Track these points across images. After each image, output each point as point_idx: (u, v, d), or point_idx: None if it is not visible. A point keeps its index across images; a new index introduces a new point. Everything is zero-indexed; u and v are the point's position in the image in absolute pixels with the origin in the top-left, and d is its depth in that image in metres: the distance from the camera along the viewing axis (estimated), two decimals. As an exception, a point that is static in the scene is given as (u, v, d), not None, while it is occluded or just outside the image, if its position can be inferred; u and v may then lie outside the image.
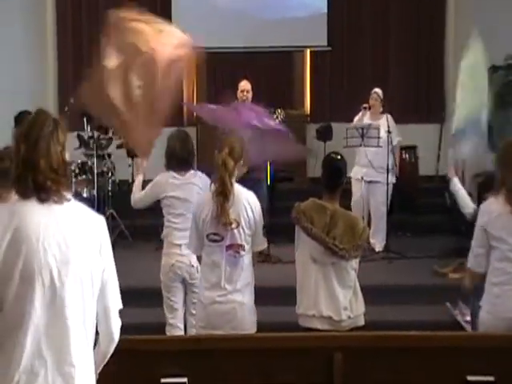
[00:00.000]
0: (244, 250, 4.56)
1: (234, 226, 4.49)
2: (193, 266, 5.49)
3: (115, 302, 2.94)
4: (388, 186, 8.71)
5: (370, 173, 8.71)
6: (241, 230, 4.53)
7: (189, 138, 5.84)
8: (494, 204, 4.30)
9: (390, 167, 8.63)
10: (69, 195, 2.84)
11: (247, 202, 4.57)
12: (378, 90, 9.00)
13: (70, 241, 2.74)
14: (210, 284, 4.59)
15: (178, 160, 5.61)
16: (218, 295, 4.54)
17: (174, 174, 5.63)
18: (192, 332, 5.47)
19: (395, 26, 12.03)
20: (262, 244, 4.77)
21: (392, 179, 8.83)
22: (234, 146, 4.60)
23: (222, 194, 4.46)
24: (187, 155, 5.65)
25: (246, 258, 4.59)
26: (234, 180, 4.55)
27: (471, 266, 4.39)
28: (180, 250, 5.53)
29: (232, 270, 4.54)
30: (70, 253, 2.73)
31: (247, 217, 4.54)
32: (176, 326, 5.64)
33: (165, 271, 5.64)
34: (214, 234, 4.53)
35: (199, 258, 4.82)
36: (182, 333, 5.64)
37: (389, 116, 8.83)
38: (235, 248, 4.53)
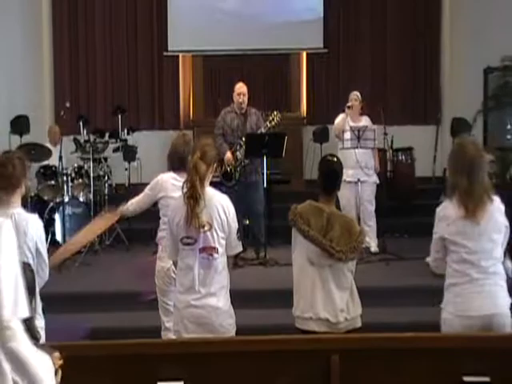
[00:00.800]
0: (217, 253, 4.50)
1: (206, 228, 4.44)
2: None
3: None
4: (372, 186, 8.91)
5: (357, 173, 8.72)
6: (214, 233, 4.48)
7: (190, 140, 5.82)
8: (448, 209, 4.33)
9: (372, 167, 8.89)
10: None
11: (220, 205, 4.52)
12: (356, 92, 9.03)
13: None
14: (184, 288, 4.54)
15: (180, 160, 5.58)
16: (192, 299, 4.48)
17: (175, 175, 5.59)
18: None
19: (391, 29, 12.06)
20: (237, 248, 4.66)
21: (376, 179, 8.95)
22: (206, 149, 4.54)
23: (192, 198, 4.42)
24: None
25: (220, 262, 4.53)
26: (206, 183, 4.51)
27: (431, 268, 4.52)
28: None
29: (205, 272, 4.49)
30: None
31: (220, 219, 4.48)
32: (172, 330, 5.63)
33: (160, 275, 5.62)
34: (187, 237, 4.48)
35: (175, 264, 4.77)
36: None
37: (368, 118, 8.95)
38: (208, 250, 4.48)
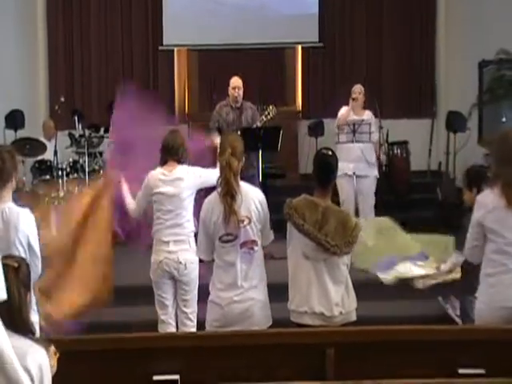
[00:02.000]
0: (257, 245, 4.59)
1: (246, 222, 4.51)
2: (181, 262, 5.53)
3: None
4: (373, 180, 8.84)
5: (359, 167, 8.70)
6: (253, 226, 4.56)
7: (178, 133, 5.82)
8: (489, 197, 4.32)
9: (374, 162, 8.81)
10: None
11: (256, 198, 4.62)
12: (360, 85, 9.00)
13: None
14: (224, 285, 4.58)
15: (166, 152, 5.61)
16: (235, 294, 4.54)
17: (163, 171, 5.63)
18: (186, 329, 5.50)
19: (387, 22, 12.04)
20: (270, 237, 4.77)
21: (376, 173, 8.91)
22: (235, 145, 4.61)
23: (229, 195, 4.48)
24: (176, 147, 5.62)
25: (259, 254, 4.64)
26: (238, 179, 4.55)
27: (466, 257, 4.45)
28: (168, 246, 5.57)
29: (247, 267, 4.56)
30: None
31: (257, 212, 4.57)
32: (168, 323, 5.66)
33: (153, 268, 5.66)
34: (227, 234, 4.53)
35: (210, 263, 4.76)
36: (173, 329, 5.66)
37: (370, 112, 8.91)
38: (249, 244, 4.55)
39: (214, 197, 4.61)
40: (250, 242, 4.55)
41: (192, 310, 5.64)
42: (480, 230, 4.31)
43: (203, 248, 4.73)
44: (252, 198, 4.58)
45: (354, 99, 8.76)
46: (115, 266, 7.94)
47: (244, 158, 8.70)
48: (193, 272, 5.57)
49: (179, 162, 5.64)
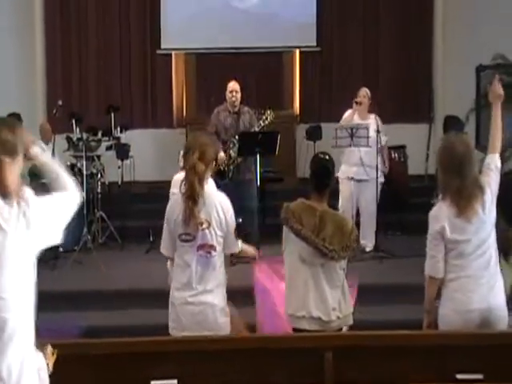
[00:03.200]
0: (215, 251, 4.53)
1: (204, 226, 4.47)
2: None
3: None
4: (377, 185, 8.70)
5: (361, 171, 8.69)
6: (212, 231, 4.51)
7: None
8: (442, 209, 4.33)
9: (379, 166, 8.64)
10: None
11: (219, 204, 4.55)
12: (366, 88, 8.95)
13: None
14: (180, 284, 4.56)
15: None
16: (189, 295, 4.51)
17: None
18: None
19: (384, 27, 12.06)
20: (235, 246, 4.69)
21: (381, 178, 8.84)
22: (204, 149, 4.55)
23: (191, 198, 4.45)
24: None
25: (218, 259, 4.56)
26: (204, 182, 4.52)
27: (431, 273, 4.38)
28: None
29: (203, 270, 4.51)
30: None
31: (218, 218, 4.52)
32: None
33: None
34: (186, 234, 4.51)
35: (172, 261, 4.75)
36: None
37: (376, 116, 8.80)
38: (206, 248, 4.51)
39: (178, 196, 4.59)
40: (208, 246, 4.51)
41: None
42: (439, 242, 4.31)
43: (165, 244, 4.70)
44: (215, 203, 4.53)
45: (357, 103, 8.68)
46: (116, 268, 7.94)
47: (238, 162, 8.75)
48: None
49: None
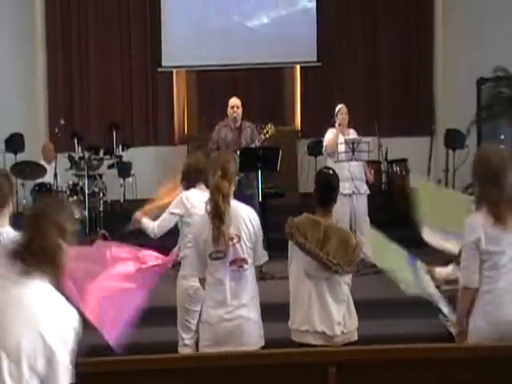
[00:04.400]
0: (247, 264, 4.56)
1: (235, 240, 4.50)
2: None
3: None
4: (365, 197, 8.82)
5: (353, 186, 8.73)
6: (242, 244, 4.53)
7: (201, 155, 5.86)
8: (478, 219, 4.30)
9: (363, 179, 8.82)
10: None
11: (247, 217, 4.59)
12: (343, 105, 9.01)
13: None
14: (215, 302, 4.56)
15: (198, 174, 5.57)
16: (224, 312, 4.52)
17: (200, 192, 5.51)
18: None
19: (384, 41, 12.10)
20: (263, 257, 4.76)
21: (367, 190, 8.91)
22: (227, 166, 4.59)
23: (217, 217, 4.47)
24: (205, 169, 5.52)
25: (250, 272, 4.60)
26: (230, 200, 4.54)
27: (466, 284, 4.30)
28: None
29: (237, 284, 4.54)
30: None
31: (248, 230, 4.55)
32: (191, 346, 5.56)
33: (184, 294, 5.54)
34: (217, 251, 4.52)
35: (203, 281, 4.74)
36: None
37: (354, 131, 8.93)
38: (238, 262, 4.53)
39: (203, 215, 4.60)
40: (240, 260, 4.53)
41: None
42: (475, 252, 4.28)
43: (196, 265, 4.73)
44: (243, 216, 4.57)
45: (340, 124, 8.80)
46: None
47: (240, 178, 8.76)
48: None
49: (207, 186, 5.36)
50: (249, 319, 4.55)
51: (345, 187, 8.58)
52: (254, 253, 4.62)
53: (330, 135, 8.91)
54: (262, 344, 4.61)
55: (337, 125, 8.82)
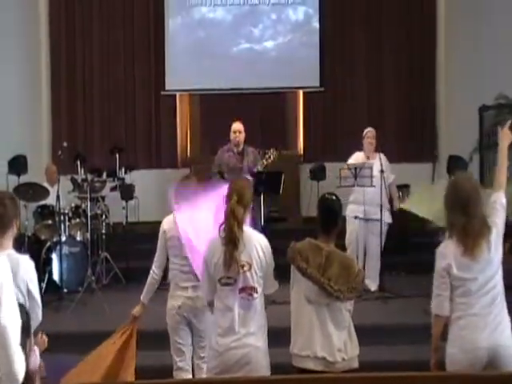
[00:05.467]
0: (257, 293, 4.54)
1: (246, 268, 4.49)
2: (198, 308, 5.39)
3: None
4: (382, 225, 8.72)
5: (368, 210, 8.69)
6: (253, 273, 4.52)
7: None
8: (449, 246, 4.33)
9: (384, 205, 8.69)
10: None
11: (259, 245, 4.58)
12: (371, 128, 9.01)
13: None
14: (222, 330, 4.54)
15: None
16: (232, 340, 4.49)
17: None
18: (201, 375, 5.38)
19: (388, 67, 12.15)
20: (274, 286, 4.72)
21: (388, 218, 8.86)
22: (243, 192, 4.60)
23: (231, 243, 4.47)
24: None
25: (259, 301, 4.58)
26: (243, 226, 4.55)
27: (438, 312, 4.37)
28: (187, 292, 5.42)
29: (245, 313, 4.52)
30: None
31: (259, 259, 4.54)
32: (185, 370, 5.53)
33: (171, 314, 5.52)
34: (227, 277, 4.51)
35: (210, 304, 4.75)
36: (190, 375, 5.54)
37: (382, 155, 8.82)
38: (248, 291, 4.52)
39: (216, 238, 4.60)
40: (249, 288, 4.52)
41: None
42: (446, 279, 4.31)
43: (205, 287, 4.71)
44: (255, 244, 4.56)
45: (371, 144, 8.81)
46: (120, 309, 7.96)
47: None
48: (210, 318, 5.42)
49: None
50: (257, 348, 4.52)
51: (359, 211, 8.60)
52: (264, 281, 4.59)
53: (351, 161, 8.90)
54: (269, 373, 4.58)
55: (368, 145, 8.84)
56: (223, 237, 4.51)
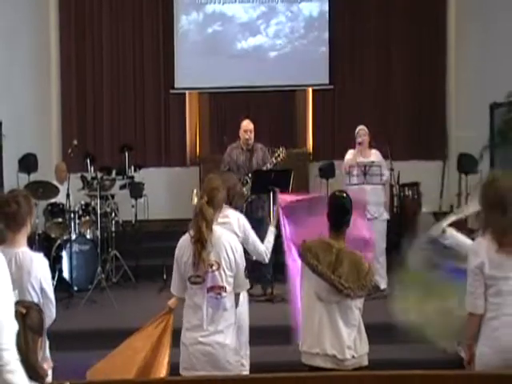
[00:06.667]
0: (226, 292, 4.55)
1: (214, 267, 4.50)
2: None
3: None
4: (381, 222, 8.78)
5: (372, 210, 8.69)
6: (222, 272, 4.52)
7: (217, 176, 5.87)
8: (482, 244, 4.29)
9: (383, 203, 8.82)
10: None
11: (228, 244, 4.57)
12: (363, 126, 9.02)
13: None
14: (191, 325, 4.56)
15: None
16: (200, 336, 4.51)
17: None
18: None
19: (397, 64, 12.13)
20: (244, 285, 4.75)
21: (387, 215, 8.93)
22: (213, 194, 4.62)
23: (199, 242, 4.48)
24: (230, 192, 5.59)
25: (228, 300, 4.58)
26: (213, 225, 4.54)
27: (472, 310, 4.31)
28: None
29: (214, 311, 4.53)
30: None
31: (228, 258, 4.53)
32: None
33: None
34: (195, 276, 4.53)
35: (181, 301, 4.75)
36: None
37: (377, 151, 8.90)
38: (216, 290, 4.53)
39: (187, 237, 4.60)
40: (218, 287, 4.52)
41: None
42: (479, 277, 4.26)
43: (176, 285, 4.71)
44: (224, 244, 4.56)
45: (360, 143, 8.81)
46: (130, 307, 7.95)
47: (252, 200, 8.74)
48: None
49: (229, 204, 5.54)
50: (224, 345, 4.52)
51: None
52: (235, 280, 4.59)
53: (348, 156, 8.92)
54: (238, 371, 4.60)
55: (358, 145, 8.84)
56: (192, 236, 4.52)
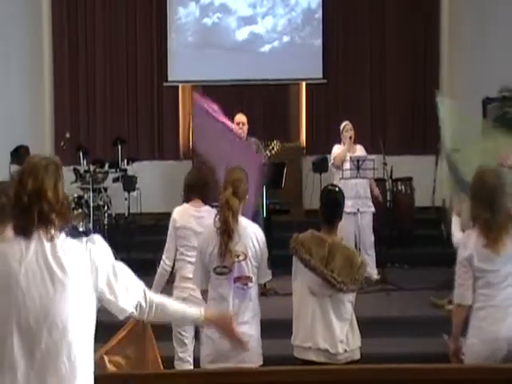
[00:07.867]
0: (252, 282, 4.58)
1: (241, 258, 4.52)
2: (204, 300, 5.38)
3: None
4: (368, 215, 8.91)
5: (358, 204, 8.74)
6: (248, 262, 4.56)
7: (201, 172, 5.90)
8: (471, 237, 4.32)
9: (369, 197, 8.94)
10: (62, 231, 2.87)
11: (254, 235, 4.62)
12: (348, 121, 9.05)
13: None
14: None
15: (190, 190, 5.61)
16: None
17: (191, 207, 5.61)
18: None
19: (391, 59, 12.12)
20: (267, 276, 4.79)
21: (372, 208, 9.00)
22: (237, 184, 4.61)
23: (226, 233, 4.50)
24: (200, 185, 5.63)
25: (254, 290, 4.62)
26: (238, 217, 4.56)
27: (460, 301, 4.37)
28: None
29: (240, 302, 4.56)
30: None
31: (254, 249, 4.58)
32: (186, 360, 5.59)
33: None
34: (222, 266, 4.54)
35: (204, 293, 4.76)
36: (191, 366, 5.57)
37: (362, 146, 9.03)
38: (243, 280, 4.55)
39: (212, 228, 4.61)
40: (244, 277, 4.56)
41: None
42: (468, 269, 4.29)
43: (198, 277, 4.72)
44: (250, 234, 4.59)
45: (350, 138, 8.89)
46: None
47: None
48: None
49: (203, 201, 5.63)
50: (250, 336, 4.51)
51: (348, 205, 8.59)
52: (258, 271, 4.63)
53: (336, 150, 8.99)
54: (261, 363, 4.61)
55: (346, 141, 8.93)
56: (218, 227, 4.51)
